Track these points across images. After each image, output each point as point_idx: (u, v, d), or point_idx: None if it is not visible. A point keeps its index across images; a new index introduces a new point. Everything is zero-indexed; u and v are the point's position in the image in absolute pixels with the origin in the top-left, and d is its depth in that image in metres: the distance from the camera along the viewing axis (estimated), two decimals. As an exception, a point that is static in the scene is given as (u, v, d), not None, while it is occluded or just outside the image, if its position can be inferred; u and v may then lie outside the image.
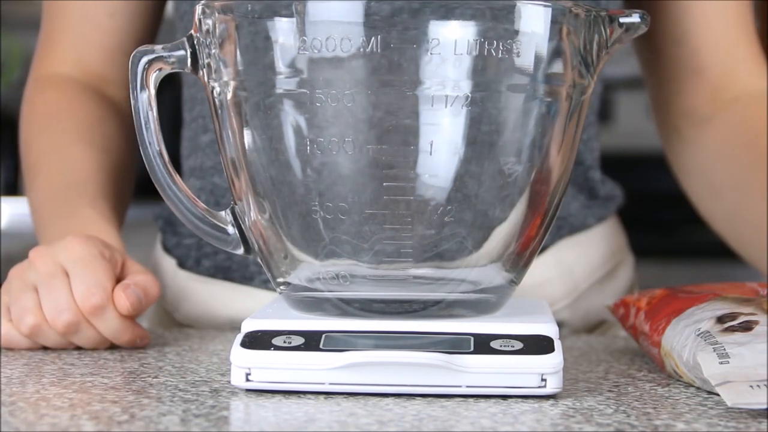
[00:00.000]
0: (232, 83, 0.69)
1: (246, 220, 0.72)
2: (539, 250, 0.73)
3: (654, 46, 1.04)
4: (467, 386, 0.66)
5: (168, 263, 1.04)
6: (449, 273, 0.70)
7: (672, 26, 1.02)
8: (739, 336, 0.67)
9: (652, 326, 0.76)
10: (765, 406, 0.61)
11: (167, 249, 1.05)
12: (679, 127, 1.04)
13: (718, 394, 0.68)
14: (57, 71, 1.04)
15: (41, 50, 1.06)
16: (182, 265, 1.03)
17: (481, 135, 0.67)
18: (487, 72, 0.66)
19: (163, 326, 1.04)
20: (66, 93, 1.03)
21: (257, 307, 0.77)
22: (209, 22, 0.69)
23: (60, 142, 0.99)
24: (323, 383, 0.66)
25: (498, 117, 0.68)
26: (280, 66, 0.67)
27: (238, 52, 0.68)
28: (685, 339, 0.71)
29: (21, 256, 0.85)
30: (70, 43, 1.04)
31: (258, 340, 0.67)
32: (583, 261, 1.00)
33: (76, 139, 0.99)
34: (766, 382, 0.62)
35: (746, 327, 0.69)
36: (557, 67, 0.68)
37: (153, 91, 0.71)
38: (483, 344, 0.67)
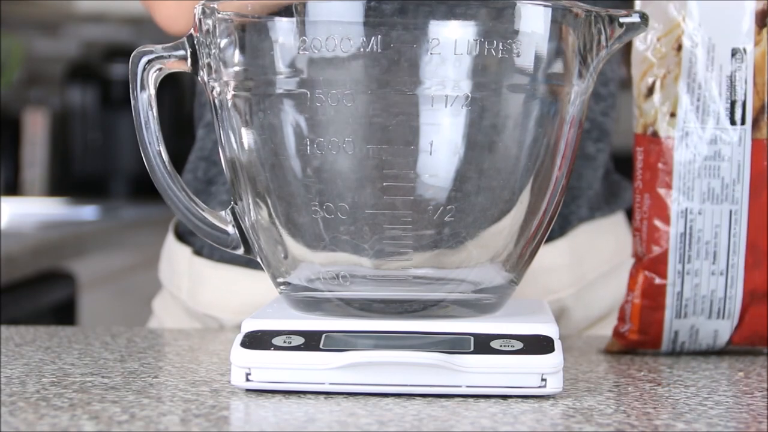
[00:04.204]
0: (232, 83, 0.69)
1: (246, 220, 0.72)
2: (552, 235, 0.72)
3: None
4: (467, 386, 0.66)
5: (183, 251, 1.02)
6: (449, 273, 0.70)
7: None
8: None
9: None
10: None
11: (181, 237, 1.04)
12: None
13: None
14: None
15: None
16: (199, 252, 1.01)
17: (481, 135, 0.67)
18: (487, 72, 0.66)
19: (179, 321, 1.03)
20: None
21: (275, 292, 0.77)
22: (209, 22, 0.69)
23: None
24: (323, 383, 0.66)
25: (498, 117, 0.68)
26: (280, 66, 0.67)
27: (237, 52, 0.68)
28: None
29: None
30: None
31: (258, 340, 0.67)
32: (593, 251, 1.00)
33: None
34: None
35: None
36: (557, 67, 0.68)
37: (153, 91, 0.71)
38: (483, 344, 0.67)
